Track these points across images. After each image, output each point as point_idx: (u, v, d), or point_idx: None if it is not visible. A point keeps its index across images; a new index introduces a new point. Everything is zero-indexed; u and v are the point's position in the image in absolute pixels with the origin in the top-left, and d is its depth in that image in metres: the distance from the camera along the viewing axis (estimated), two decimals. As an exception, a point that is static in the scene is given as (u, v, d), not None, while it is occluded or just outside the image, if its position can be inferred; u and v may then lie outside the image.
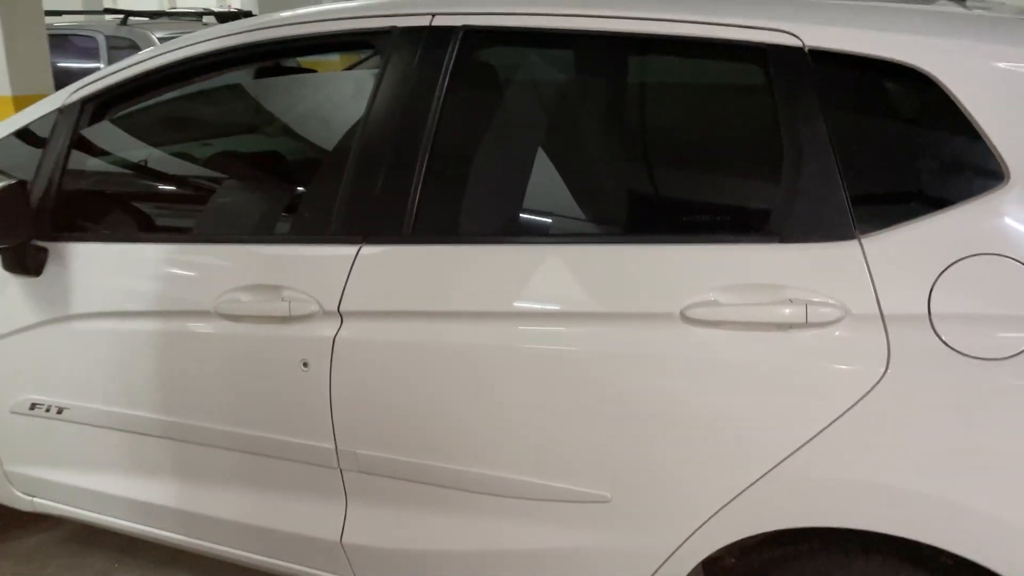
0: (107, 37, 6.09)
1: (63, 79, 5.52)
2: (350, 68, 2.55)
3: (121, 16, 6.35)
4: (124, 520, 2.16)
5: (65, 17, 7.04)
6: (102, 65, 5.95)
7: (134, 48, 5.85)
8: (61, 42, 6.10)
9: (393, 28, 1.80)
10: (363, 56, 2.42)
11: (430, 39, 1.76)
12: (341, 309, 1.74)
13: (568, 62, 1.85)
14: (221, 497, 2.00)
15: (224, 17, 8.27)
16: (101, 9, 8.07)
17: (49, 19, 5.63)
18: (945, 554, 1.40)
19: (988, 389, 1.33)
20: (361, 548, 1.86)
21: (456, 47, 1.73)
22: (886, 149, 1.48)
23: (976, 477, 1.34)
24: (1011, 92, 1.37)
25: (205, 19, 8.23)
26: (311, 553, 1.93)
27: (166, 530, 2.11)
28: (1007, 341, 1.32)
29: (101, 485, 2.14)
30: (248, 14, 8.57)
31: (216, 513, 2.01)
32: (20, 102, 5.02)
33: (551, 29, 1.67)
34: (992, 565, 1.34)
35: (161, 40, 5.93)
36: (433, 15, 1.77)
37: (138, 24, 6.29)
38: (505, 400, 1.63)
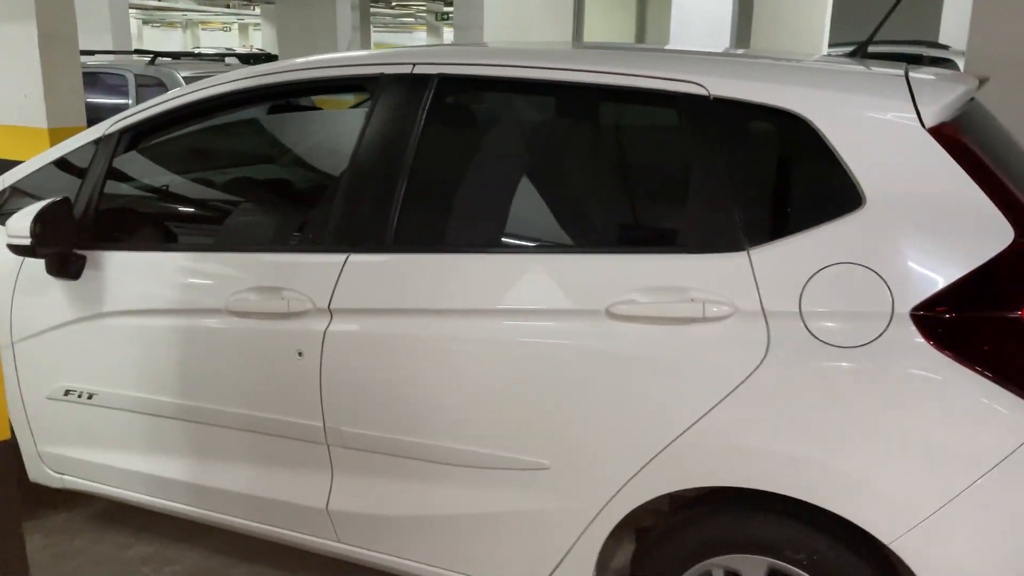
0: (136, 75, 6.54)
1: (95, 113, 5.94)
2: (355, 107, 2.93)
3: (150, 56, 6.83)
4: (144, 494, 2.48)
5: (97, 56, 7.53)
6: (131, 100, 6.38)
7: (161, 85, 6.30)
8: (94, 79, 6.56)
9: (382, 75, 2.16)
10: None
11: (411, 84, 2.12)
12: (331, 307, 2.07)
13: (520, 105, 2.21)
14: (226, 471, 2.32)
15: (246, 58, 8.75)
16: (131, 50, 8.58)
17: (83, 58, 6.07)
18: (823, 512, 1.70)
19: (846, 370, 1.65)
20: (344, 514, 2.17)
21: (432, 90, 2.09)
22: (770, 178, 1.82)
23: (836, 440, 1.65)
24: (869, 133, 1.71)
25: (227, 60, 8.71)
26: (302, 519, 2.24)
27: (180, 502, 2.43)
28: (861, 332, 1.64)
29: (124, 462, 2.47)
30: (270, 55, 9.04)
31: (222, 485, 2.32)
32: (55, 134, 5.41)
33: (507, 78, 2.04)
34: (854, 517, 1.65)
35: (186, 79, 6.37)
36: (414, 64, 2.13)
37: (165, 64, 6.76)
38: (463, 382, 1.96)
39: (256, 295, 2.16)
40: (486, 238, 2.08)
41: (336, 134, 2.47)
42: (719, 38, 10.51)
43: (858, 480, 1.65)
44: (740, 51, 2.09)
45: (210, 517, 2.40)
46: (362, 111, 2.22)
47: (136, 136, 2.49)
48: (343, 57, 2.28)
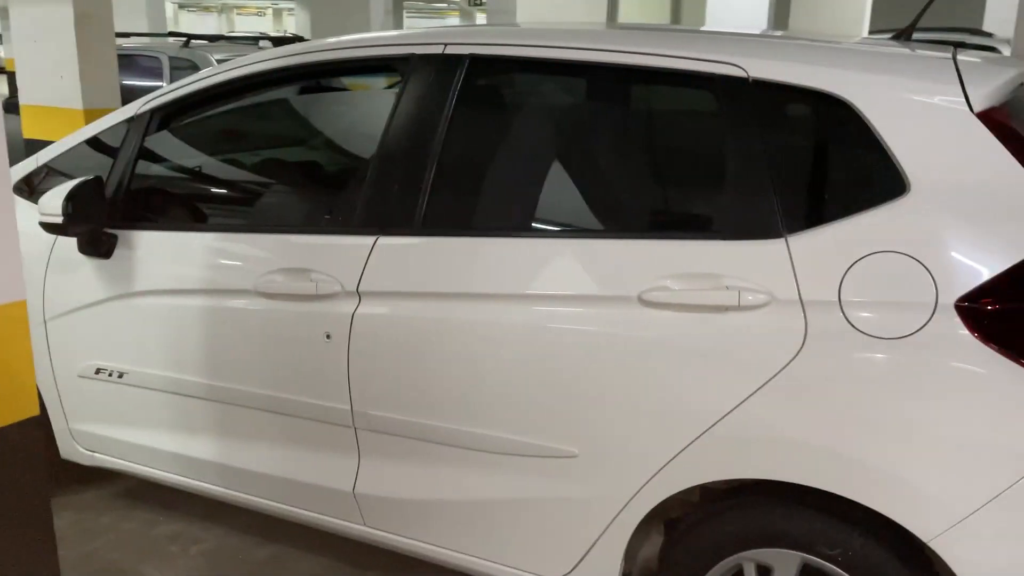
0: (170, 58, 6.58)
1: (130, 95, 5.97)
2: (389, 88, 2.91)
3: (184, 39, 6.86)
4: (172, 473, 2.50)
5: (132, 39, 7.59)
6: (165, 83, 6.42)
7: (194, 68, 6.32)
8: (129, 61, 6.60)
9: (412, 55, 2.13)
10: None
11: (442, 64, 2.08)
12: (360, 289, 2.05)
13: (553, 87, 2.17)
14: (253, 452, 2.32)
15: (279, 41, 8.77)
16: (166, 32, 8.65)
17: (118, 40, 6.11)
18: (856, 506, 1.66)
19: (886, 362, 1.60)
20: (370, 497, 2.16)
21: (463, 71, 2.06)
22: (810, 163, 1.76)
23: (874, 435, 1.60)
24: (915, 117, 1.65)
25: (261, 43, 8.74)
26: (328, 502, 2.24)
27: (206, 482, 2.44)
28: (902, 323, 1.59)
29: (152, 441, 2.48)
30: (303, 39, 9.06)
31: (249, 466, 2.33)
32: (90, 115, 5.46)
33: (541, 59, 1.99)
34: (892, 514, 1.60)
35: (219, 61, 6.38)
36: (445, 44, 2.10)
37: (198, 47, 6.78)
38: (493, 368, 1.93)
39: (284, 276, 2.14)
40: (517, 222, 2.04)
41: (366, 116, 2.45)
42: (756, 22, 10.35)
43: (895, 476, 1.60)
44: (779, 33, 2.03)
45: (237, 497, 2.40)
46: (392, 92, 2.19)
47: (167, 116, 2.48)
48: (374, 37, 2.26)
